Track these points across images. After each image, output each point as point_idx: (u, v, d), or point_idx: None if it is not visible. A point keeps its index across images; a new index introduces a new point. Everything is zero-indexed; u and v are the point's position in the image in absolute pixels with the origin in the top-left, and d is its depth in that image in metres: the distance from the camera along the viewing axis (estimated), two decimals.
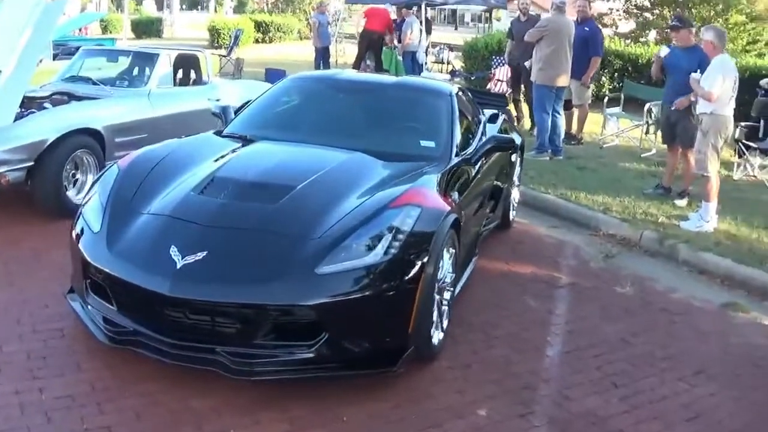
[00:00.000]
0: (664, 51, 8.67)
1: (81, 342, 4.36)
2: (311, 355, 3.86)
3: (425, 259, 4.10)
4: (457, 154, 5.49)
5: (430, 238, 4.21)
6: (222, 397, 3.87)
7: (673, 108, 8.23)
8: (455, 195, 5.07)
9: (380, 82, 6.73)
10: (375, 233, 4.08)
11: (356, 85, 6.53)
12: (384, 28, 17.24)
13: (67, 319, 4.62)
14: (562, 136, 10.81)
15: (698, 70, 7.62)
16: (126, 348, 4.04)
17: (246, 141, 5.46)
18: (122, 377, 4.01)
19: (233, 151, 5.20)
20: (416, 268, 4.06)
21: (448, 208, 4.56)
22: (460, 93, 6.54)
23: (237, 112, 6.24)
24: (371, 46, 17.25)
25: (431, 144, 5.57)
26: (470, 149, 5.84)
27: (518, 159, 7.53)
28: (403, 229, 4.13)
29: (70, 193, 6.70)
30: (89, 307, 4.29)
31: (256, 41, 27.95)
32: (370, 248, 4.00)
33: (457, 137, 5.67)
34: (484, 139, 6.15)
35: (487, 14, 36.37)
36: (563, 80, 10.48)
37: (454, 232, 4.58)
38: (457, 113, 5.91)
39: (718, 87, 7.19)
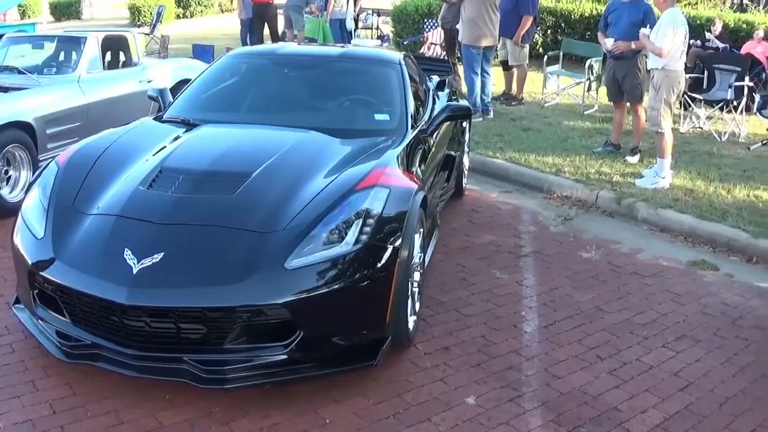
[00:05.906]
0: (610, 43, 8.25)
1: (34, 358, 3.99)
2: (286, 356, 3.59)
3: (398, 243, 3.87)
4: (413, 126, 5.25)
5: (401, 220, 3.97)
6: (194, 408, 3.58)
7: (612, 48, 8.04)
8: (417, 170, 4.84)
9: (325, 54, 6.41)
10: (343, 220, 3.82)
11: (301, 58, 6.17)
12: None
13: (15, 332, 4.26)
14: (491, 95, 10.74)
15: (646, 25, 7.49)
16: (84, 363, 3.71)
17: (189, 125, 5.11)
18: (83, 394, 3.68)
19: (177, 137, 4.83)
20: (390, 253, 3.82)
21: (416, 186, 4.32)
22: (408, 60, 6.27)
23: (175, 93, 5.87)
24: (266, 20, 15.80)
25: (386, 117, 5.33)
26: (425, 119, 5.60)
27: (468, 125, 7.33)
28: (373, 212, 3.88)
29: (4, 191, 6.26)
30: (39, 320, 3.93)
31: (177, 17, 27.11)
32: (341, 237, 3.74)
33: (411, 108, 5.43)
34: (436, 108, 5.93)
35: None
36: (488, 41, 10.33)
37: (422, 211, 4.35)
38: (408, 82, 5.65)
39: (669, 42, 7.06)
